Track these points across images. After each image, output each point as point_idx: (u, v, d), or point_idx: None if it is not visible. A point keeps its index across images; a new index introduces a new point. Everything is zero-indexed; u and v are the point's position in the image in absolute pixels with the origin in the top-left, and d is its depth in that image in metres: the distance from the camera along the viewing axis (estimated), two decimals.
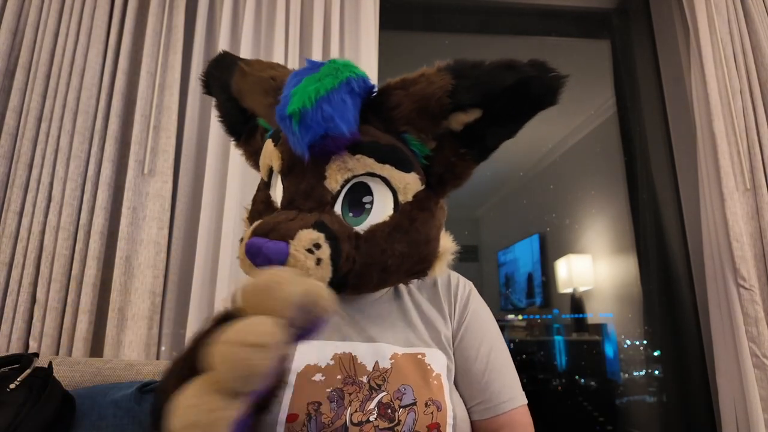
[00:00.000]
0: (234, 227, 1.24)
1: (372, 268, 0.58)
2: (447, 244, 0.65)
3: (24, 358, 0.84)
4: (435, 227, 0.63)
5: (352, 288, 0.59)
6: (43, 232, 1.18)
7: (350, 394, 0.58)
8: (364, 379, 0.59)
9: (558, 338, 1.92)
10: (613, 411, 1.73)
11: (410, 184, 0.60)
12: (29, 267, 1.16)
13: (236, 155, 1.27)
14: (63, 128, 1.23)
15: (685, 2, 1.54)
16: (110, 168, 1.24)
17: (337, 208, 0.58)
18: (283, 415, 0.56)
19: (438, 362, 0.63)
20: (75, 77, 1.26)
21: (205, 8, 1.39)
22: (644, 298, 1.73)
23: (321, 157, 0.56)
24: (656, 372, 1.70)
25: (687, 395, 1.58)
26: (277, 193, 0.62)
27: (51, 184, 1.21)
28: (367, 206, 0.59)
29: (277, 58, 1.34)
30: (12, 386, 0.77)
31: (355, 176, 0.58)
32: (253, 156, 0.74)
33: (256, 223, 0.54)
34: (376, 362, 0.61)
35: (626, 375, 1.78)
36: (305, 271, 0.51)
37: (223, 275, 1.22)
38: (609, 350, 1.84)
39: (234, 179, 1.27)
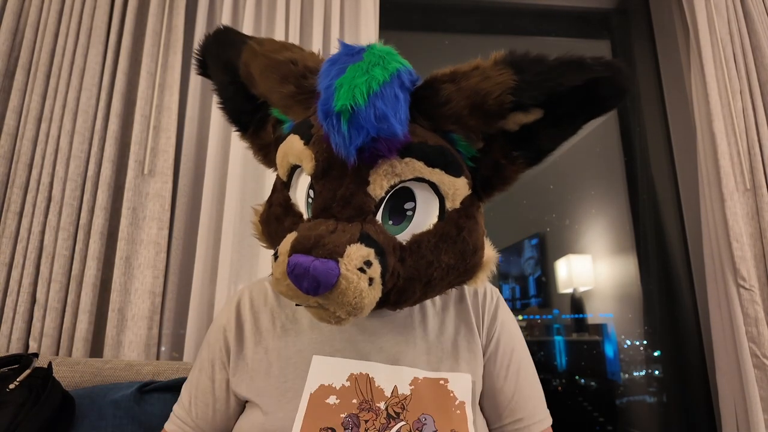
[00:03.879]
0: (234, 227, 1.24)
1: (416, 282, 0.52)
2: (490, 252, 0.59)
3: (24, 359, 0.84)
4: (480, 235, 0.58)
5: (392, 304, 0.54)
6: (43, 233, 1.18)
7: (366, 421, 0.53)
8: (382, 405, 0.54)
9: (558, 338, 1.92)
10: (613, 411, 1.73)
11: (459, 189, 0.54)
12: (29, 267, 1.16)
13: (236, 155, 1.27)
14: (63, 128, 1.23)
15: (685, 2, 1.54)
16: (110, 168, 1.24)
17: (378, 217, 0.51)
18: None
19: (462, 388, 0.58)
20: (75, 77, 1.26)
21: (205, 8, 1.39)
22: (644, 298, 1.73)
23: (366, 160, 0.49)
24: (656, 372, 1.70)
25: (687, 395, 1.58)
26: (299, 194, 0.56)
27: (51, 184, 1.21)
28: (409, 213, 0.53)
29: None
30: (12, 386, 0.76)
31: (402, 182, 0.51)
32: (261, 150, 0.67)
33: (291, 237, 0.47)
34: (395, 387, 0.56)
35: (626, 375, 1.78)
36: (359, 294, 0.45)
37: (223, 275, 1.21)
38: (609, 350, 1.83)
39: (234, 179, 1.26)
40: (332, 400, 0.54)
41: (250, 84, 0.62)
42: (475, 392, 0.60)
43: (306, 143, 0.52)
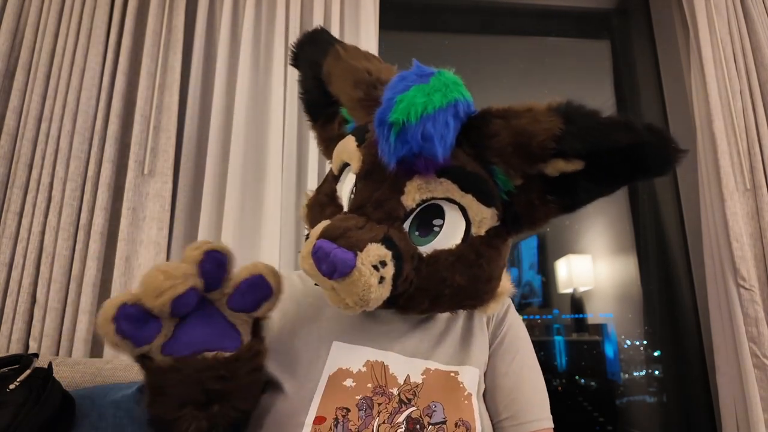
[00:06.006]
0: (234, 227, 1.24)
1: (426, 294, 0.56)
2: (506, 285, 0.63)
3: (24, 359, 0.84)
4: (499, 266, 0.61)
5: (399, 308, 0.58)
6: (43, 233, 1.18)
7: (379, 404, 0.57)
8: (395, 391, 0.59)
9: (558, 338, 1.92)
10: (613, 411, 1.73)
11: (486, 218, 0.57)
12: (29, 267, 1.16)
13: (236, 155, 1.27)
14: (63, 129, 1.23)
15: (685, 2, 1.54)
16: (110, 168, 1.24)
17: (406, 225, 0.55)
18: (310, 417, 0.55)
19: (470, 380, 0.62)
20: (75, 78, 1.26)
21: (205, 8, 1.39)
22: (644, 298, 1.73)
23: (405, 172, 0.54)
24: (656, 372, 1.70)
25: (687, 395, 1.58)
26: (344, 189, 0.61)
27: (51, 184, 1.21)
28: (436, 229, 0.56)
29: (277, 58, 1.34)
30: (12, 387, 0.76)
31: (433, 198, 0.55)
32: (324, 142, 0.72)
33: (323, 224, 0.51)
34: (408, 375, 0.60)
35: (626, 375, 1.78)
36: (367, 287, 0.49)
37: None
38: (609, 350, 1.83)
39: (234, 179, 1.26)
40: (349, 382, 0.58)
41: (327, 82, 0.68)
42: (480, 386, 0.64)
43: (359, 145, 0.58)
